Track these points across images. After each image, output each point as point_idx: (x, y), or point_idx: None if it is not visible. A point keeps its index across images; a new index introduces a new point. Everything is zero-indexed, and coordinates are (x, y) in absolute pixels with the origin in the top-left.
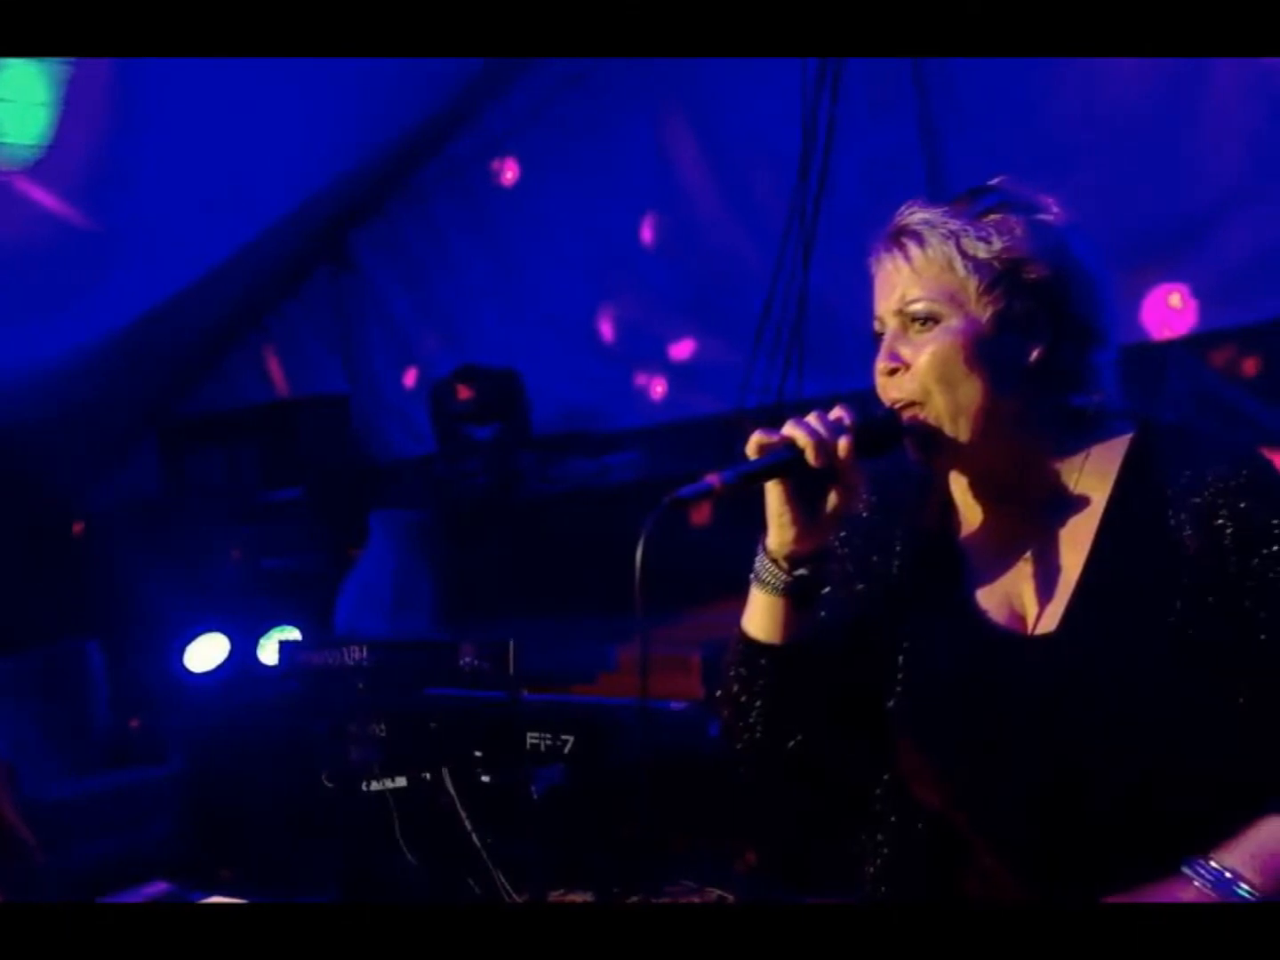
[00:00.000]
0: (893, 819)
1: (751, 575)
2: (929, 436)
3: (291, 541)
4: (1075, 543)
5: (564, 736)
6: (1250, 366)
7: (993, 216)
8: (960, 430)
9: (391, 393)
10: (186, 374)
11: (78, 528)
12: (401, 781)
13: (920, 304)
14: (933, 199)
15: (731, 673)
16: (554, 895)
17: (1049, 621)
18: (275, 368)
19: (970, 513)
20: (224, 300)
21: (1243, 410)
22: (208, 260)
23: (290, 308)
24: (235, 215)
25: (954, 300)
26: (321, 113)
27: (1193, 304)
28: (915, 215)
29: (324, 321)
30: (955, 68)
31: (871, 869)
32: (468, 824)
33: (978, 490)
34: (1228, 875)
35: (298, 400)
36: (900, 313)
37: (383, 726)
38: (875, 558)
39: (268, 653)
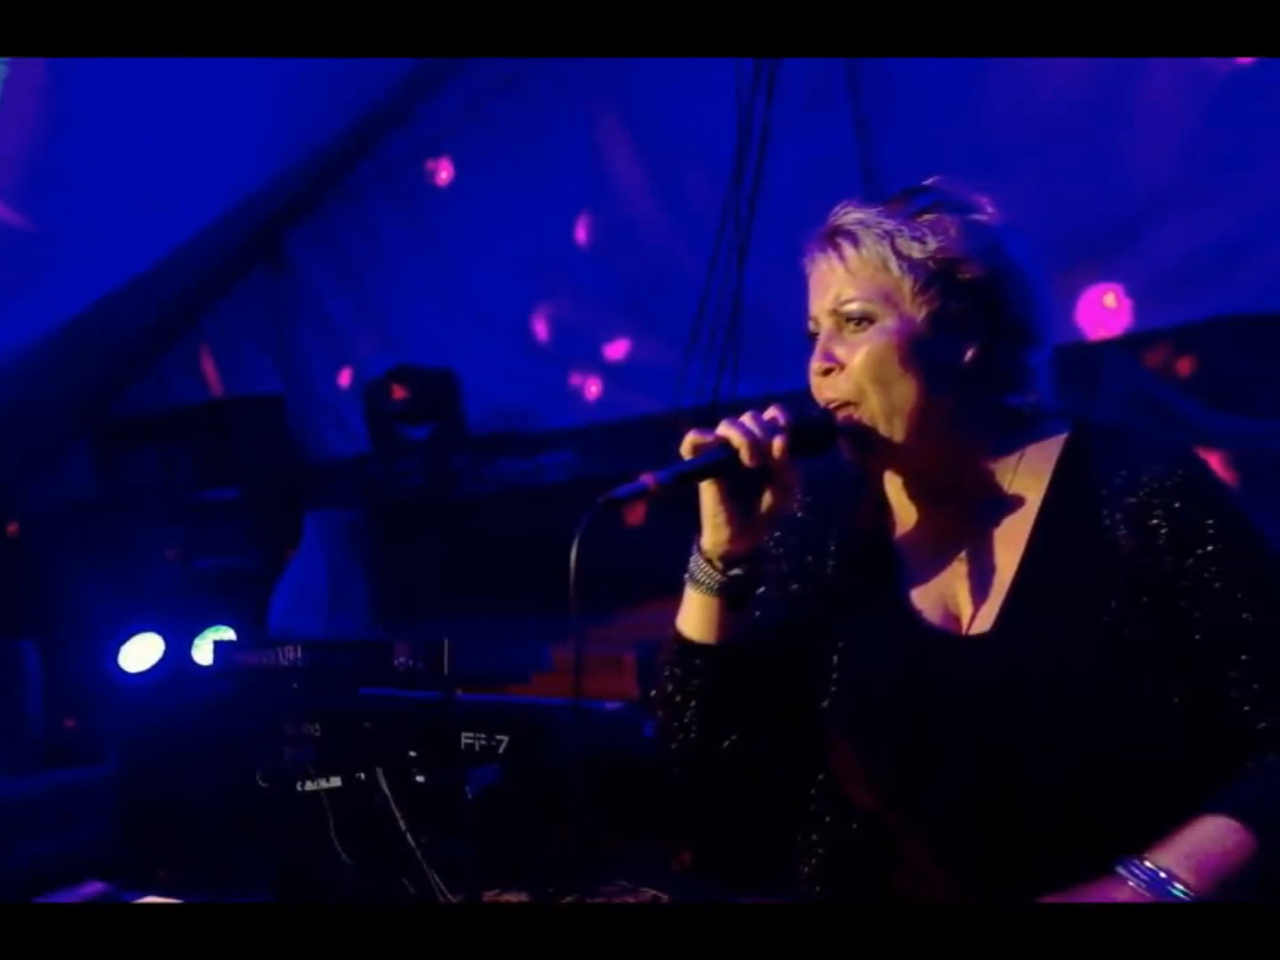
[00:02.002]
0: (828, 819)
1: (686, 575)
2: (863, 436)
3: (226, 541)
4: (1010, 543)
5: (499, 736)
6: (1185, 366)
7: (927, 216)
8: (895, 430)
9: (326, 392)
10: (121, 374)
11: (12, 528)
12: (336, 781)
13: (855, 304)
14: (868, 199)
15: (666, 673)
16: (489, 895)
17: (983, 621)
18: (210, 368)
19: (905, 513)
20: (159, 300)
21: (1177, 410)
22: (143, 260)
23: (225, 307)
24: (170, 215)
25: (889, 300)
26: (256, 113)
27: (1127, 304)
28: (850, 215)
29: (258, 321)
30: (890, 68)
31: (807, 869)
32: (402, 824)
33: (912, 490)
34: (1162, 875)
35: (232, 400)
36: (835, 313)
37: (317, 726)
38: (810, 558)
39: (202, 653)
